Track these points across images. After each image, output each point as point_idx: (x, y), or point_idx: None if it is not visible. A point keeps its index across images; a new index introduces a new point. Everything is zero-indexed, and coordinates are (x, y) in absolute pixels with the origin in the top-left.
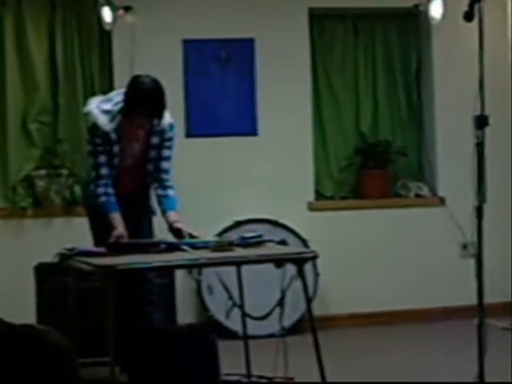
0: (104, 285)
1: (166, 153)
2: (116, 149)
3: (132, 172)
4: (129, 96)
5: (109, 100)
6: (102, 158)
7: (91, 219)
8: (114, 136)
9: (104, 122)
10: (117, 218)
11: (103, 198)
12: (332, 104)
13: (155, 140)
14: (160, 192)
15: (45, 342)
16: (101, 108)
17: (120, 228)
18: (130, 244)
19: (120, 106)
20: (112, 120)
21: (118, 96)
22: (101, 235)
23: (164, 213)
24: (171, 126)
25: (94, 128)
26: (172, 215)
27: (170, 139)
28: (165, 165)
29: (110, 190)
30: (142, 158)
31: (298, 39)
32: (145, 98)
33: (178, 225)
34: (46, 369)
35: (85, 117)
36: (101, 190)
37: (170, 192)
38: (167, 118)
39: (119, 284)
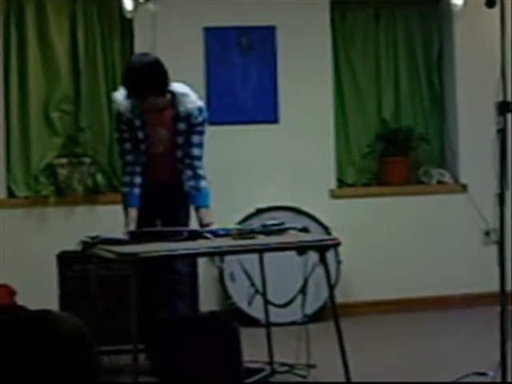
0: (128, 272)
1: (195, 139)
2: (140, 135)
3: (163, 159)
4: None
5: None
6: (128, 145)
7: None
8: (137, 122)
9: (127, 108)
10: (132, 214)
11: (126, 189)
12: (354, 91)
13: (182, 126)
14: (192, 183)
15: (58, 327)
16: (125, 94)
17: (132, 227)
18: (153, 232)
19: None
20: (135, 106)
21: None
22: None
23: (196, 209)
24: (200, 110)
25: (119, 115)
26: (205, 214)
27: (200, 124)
28: (195, 151)
29: (137, 180)
30: (171, 145)
31: (319, 26)
32: (126, 77)
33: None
34: (60, 353)
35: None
36: (126, 178)
37: (203, 183)
38: (195, 102)
39: (145, 273)
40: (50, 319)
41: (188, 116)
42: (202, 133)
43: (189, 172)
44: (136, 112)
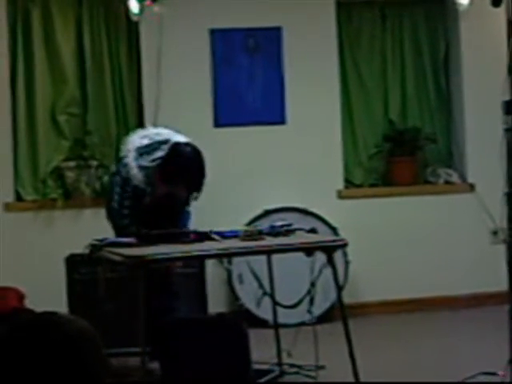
0: (134, 275)
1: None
2: (147, 199)
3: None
4: (168, 167)
5: (147, 152)
6: (127, 202)
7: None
8: (148, 190)
9: (140, 180)
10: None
11: (127, 220)
12: (360, 91)
13: None
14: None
15: (64, 329)
16: (139, 163)
17: None
18: (160, 234)
19: (158, 162)
20: (148, 176)
21: (158, 149)
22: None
23: None
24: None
25: (128, 180)
26: None
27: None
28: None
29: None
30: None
31: (326, 27)
32: (185, 173)
33: None
34: (66, 355)
35: (120, 162)
36: (125, 221)
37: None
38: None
39: (152, 275)
40: (56, 321)
41: None
42: None
43: None
44: (147, 181)
